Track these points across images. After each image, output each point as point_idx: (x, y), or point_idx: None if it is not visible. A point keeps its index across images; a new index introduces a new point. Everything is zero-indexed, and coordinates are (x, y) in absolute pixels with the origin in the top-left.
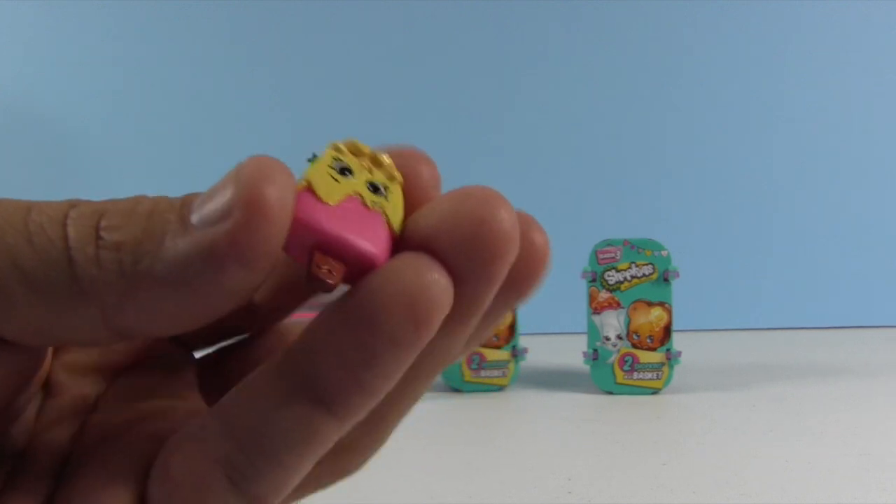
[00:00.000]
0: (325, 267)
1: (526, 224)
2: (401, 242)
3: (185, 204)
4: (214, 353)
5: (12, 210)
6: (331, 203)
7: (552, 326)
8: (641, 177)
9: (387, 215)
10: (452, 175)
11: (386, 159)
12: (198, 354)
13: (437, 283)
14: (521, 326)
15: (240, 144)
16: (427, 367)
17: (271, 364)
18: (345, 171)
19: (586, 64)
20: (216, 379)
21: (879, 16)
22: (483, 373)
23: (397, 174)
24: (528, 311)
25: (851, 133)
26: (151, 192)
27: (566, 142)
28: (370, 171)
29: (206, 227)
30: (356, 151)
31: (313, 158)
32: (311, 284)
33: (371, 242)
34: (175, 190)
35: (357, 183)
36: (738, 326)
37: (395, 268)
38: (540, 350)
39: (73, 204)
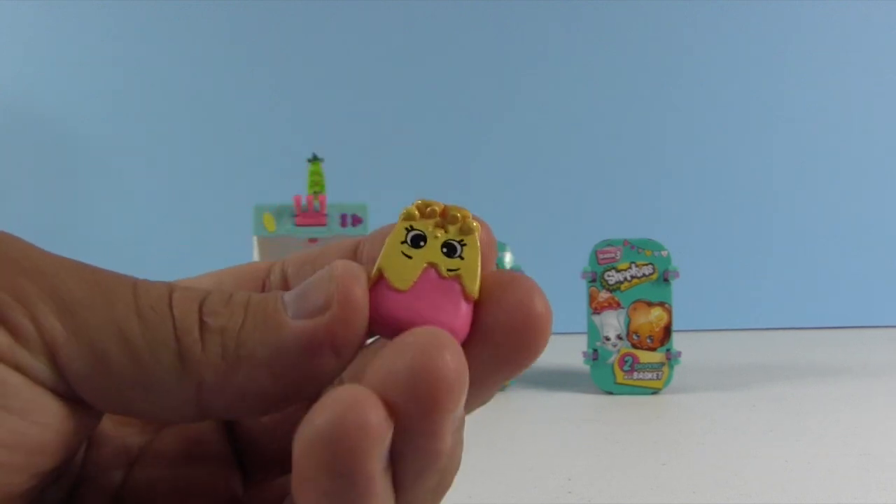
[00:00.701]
0: None
1: (526, 290)
2: (480, 301)
3: (279, 297)
4: None
5: (119, 284)
6: (404, 288)
7: (552, 326)
8: (641, 177)
9: (462, 279)
10: (453, 175)
11: (459, 212)
12: None
13: (366, 422)
14: None
15: (240, 144)
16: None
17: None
18: (418, 239)
19: (586, 64)
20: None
21: (879, 16)
22: None
23: (473, 224)
24: None
25: (851, 133)
26: (151, 192)
27: (566, 142)
28: (444, 229)
29: (305, 319)
30: (428, 212)
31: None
32: None
33: (447, 318)
34: (175, 189)
35: (431, 251)
36: (738, 326)
37: (315, 414)
38: None
39: (171, 287)
